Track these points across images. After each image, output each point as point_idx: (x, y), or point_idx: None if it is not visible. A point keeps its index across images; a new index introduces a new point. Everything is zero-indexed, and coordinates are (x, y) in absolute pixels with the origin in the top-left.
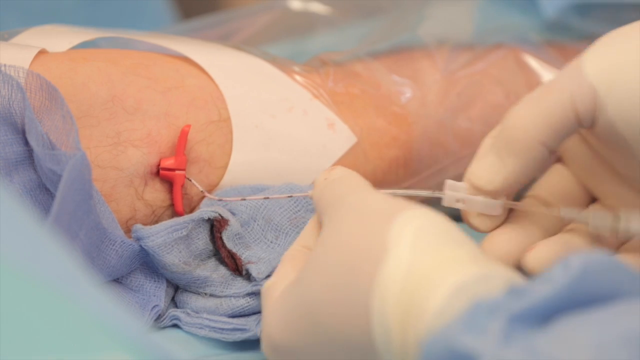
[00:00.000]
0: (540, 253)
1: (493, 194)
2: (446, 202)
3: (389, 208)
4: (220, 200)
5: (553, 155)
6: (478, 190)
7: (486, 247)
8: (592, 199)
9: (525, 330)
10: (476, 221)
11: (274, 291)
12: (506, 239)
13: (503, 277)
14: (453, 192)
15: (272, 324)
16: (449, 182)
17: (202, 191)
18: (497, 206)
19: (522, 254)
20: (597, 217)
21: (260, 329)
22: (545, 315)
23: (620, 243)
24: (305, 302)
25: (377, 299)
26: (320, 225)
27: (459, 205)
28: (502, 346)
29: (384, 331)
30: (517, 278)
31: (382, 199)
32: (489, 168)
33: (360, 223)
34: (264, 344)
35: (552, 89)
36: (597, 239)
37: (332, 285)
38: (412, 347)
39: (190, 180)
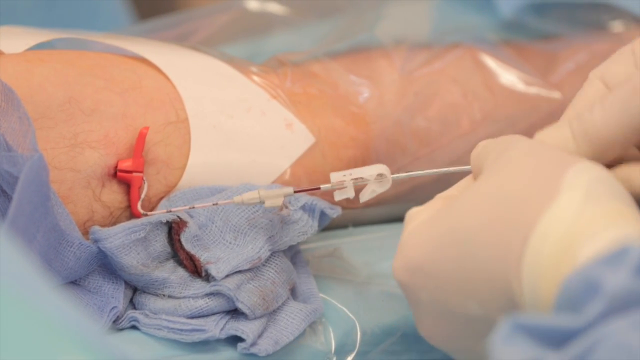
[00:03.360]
0: None
1: None
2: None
3: (564, 156)
4: (169, 211)
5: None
6: None
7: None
8: None
9: None
10: None
11: (420, 216)
12: None
13: None
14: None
15: (415, 246)
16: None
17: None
18: None
19: None
20: None
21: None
22: None
23: None
24: (458, 228)
25: (538, 236)
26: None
27: (344, 178)
28: (631, 277)
29: (535, 272)
30: None
31: (554, 148)
32: (561, 141)
33: (533, 164)
34: (399, 265)
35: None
36: None
37: (492, 215)
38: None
39: (144, 184)
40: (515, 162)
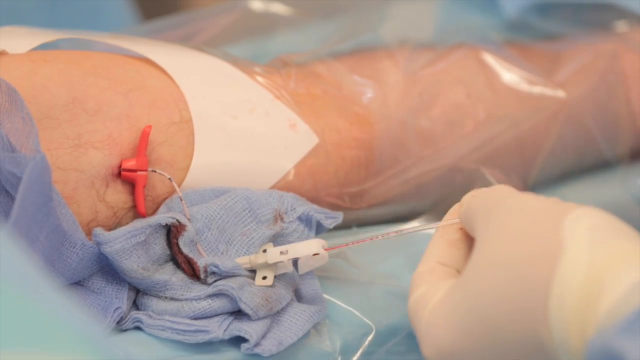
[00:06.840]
0: None
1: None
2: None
3: (555, 207)
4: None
5: None
6: None
7: None
8: None
9: None
10: None
11: (425, 303)
12: None
13: None
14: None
15: (440, 332)
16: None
17: (176, 192)
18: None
19: None
20: None
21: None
22: None
23: None
24: (477, 305)
25: (556, 297)
26: (452, 243)
27: (282, 258)
28: None
29: (562, 329)
30: None
31: (543, 199)
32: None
33: (528, 223)
34: (430, 352)
35: None
36: None
37: (506, 287)
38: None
39: (155, 172)
40: (508, 224)
